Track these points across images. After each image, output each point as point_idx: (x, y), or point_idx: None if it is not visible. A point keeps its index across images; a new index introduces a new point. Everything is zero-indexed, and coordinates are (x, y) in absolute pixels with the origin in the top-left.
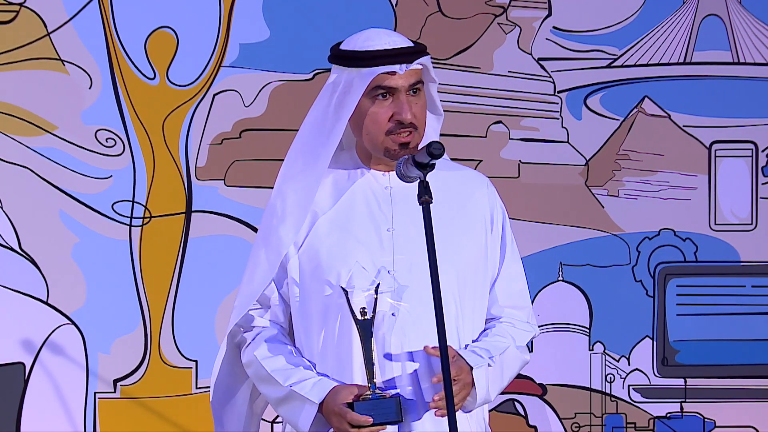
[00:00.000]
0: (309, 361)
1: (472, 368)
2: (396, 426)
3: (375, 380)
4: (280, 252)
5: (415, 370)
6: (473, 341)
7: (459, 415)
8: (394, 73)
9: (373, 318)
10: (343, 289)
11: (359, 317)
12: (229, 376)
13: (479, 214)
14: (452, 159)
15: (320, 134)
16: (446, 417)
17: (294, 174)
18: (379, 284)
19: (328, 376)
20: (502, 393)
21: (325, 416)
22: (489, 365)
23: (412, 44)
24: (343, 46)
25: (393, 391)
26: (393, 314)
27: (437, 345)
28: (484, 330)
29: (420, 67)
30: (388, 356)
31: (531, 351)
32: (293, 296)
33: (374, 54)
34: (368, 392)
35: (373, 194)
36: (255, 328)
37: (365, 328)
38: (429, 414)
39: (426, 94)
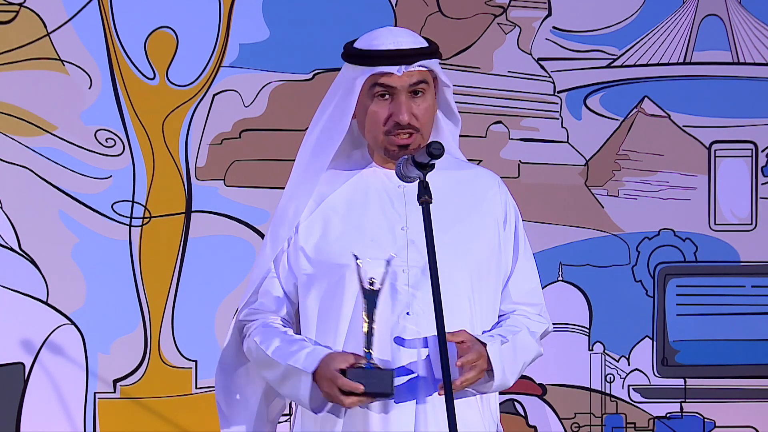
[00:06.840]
0: (309, 339)
1: (485, 344)
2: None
3: (372, 351)
4: (281, 243)
5: (424, 361)
6: (483, 332)
7: (469, 407)
8: (392, 72)
9: (379, 290)
10: (354, 256)
11: (367, 287)
12: (237, 372)
13: (491, 212)
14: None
15: (324, 132)
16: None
17: (299, 172)
18: (391, 257)
19: (321, 345)
20: (502, 393)
21: (318, 383)
22: (502, 342)
23: (419, 45)
24: (355, 44)
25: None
26: (408, 313)
27: (454, 331)
28: (497, 323)
29: (423, 68)
30: (398, 352)
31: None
32: (301, 271)
33: (376, 54)
34: (363, 361)
35: (386, 193)
36: (257, 320)
37: (370, 299)
38: (434, 399)
39: (441, 99)
